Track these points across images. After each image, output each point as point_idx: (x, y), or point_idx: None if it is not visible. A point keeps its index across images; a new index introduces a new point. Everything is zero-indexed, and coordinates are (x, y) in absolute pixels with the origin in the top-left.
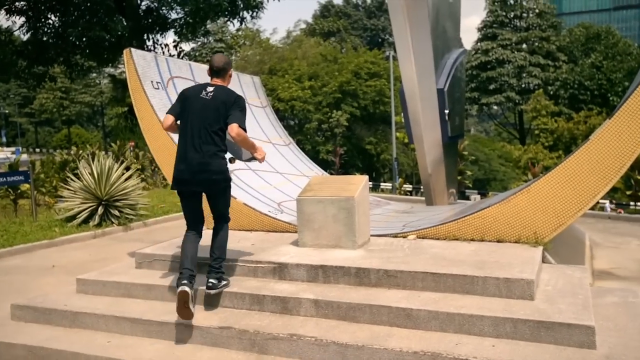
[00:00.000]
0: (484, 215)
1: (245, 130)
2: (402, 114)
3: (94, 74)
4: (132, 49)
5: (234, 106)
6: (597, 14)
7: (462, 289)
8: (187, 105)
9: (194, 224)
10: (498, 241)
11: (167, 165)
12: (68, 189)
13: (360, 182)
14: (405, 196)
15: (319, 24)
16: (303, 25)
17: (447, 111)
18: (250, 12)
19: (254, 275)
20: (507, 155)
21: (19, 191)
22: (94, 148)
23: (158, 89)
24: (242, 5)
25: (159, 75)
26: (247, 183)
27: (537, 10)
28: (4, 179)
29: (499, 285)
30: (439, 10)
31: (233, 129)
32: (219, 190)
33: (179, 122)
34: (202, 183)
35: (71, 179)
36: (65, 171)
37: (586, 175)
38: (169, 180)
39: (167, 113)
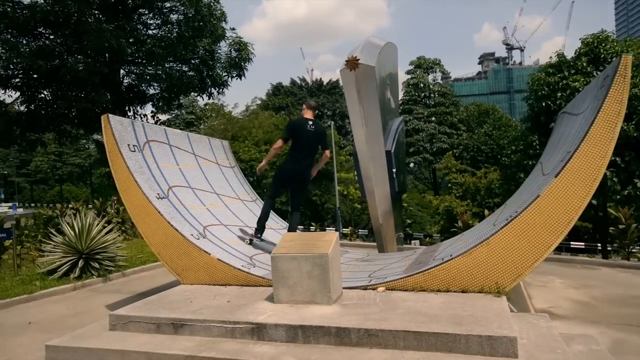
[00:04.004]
0: (448, 267)
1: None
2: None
3: (84, 140)
4: (110, 115)
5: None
6: (478, 97)
7: (445, 347)
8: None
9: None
10: (462, 291)
11: (142, 222)
12: (50, 244)
13: (332, 238)
14: (357, 241)
15: (271, 100)
16: (259, 101)
17: (394, 170)
18: (217, 89)
19: (232, 337)
20: (422, 203)
21: (3, 246)
22: (78, 205)
23: (135, 151)
24: (209, 83)
25: (135, 139)
26: (220, 238)
27: (441, 92)
28: None
29: (482, 343)
30: (384, 85)
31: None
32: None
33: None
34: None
35: (53, 234)
36: (48, 227)
37: (539, 228)
38: (144, 237)
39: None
